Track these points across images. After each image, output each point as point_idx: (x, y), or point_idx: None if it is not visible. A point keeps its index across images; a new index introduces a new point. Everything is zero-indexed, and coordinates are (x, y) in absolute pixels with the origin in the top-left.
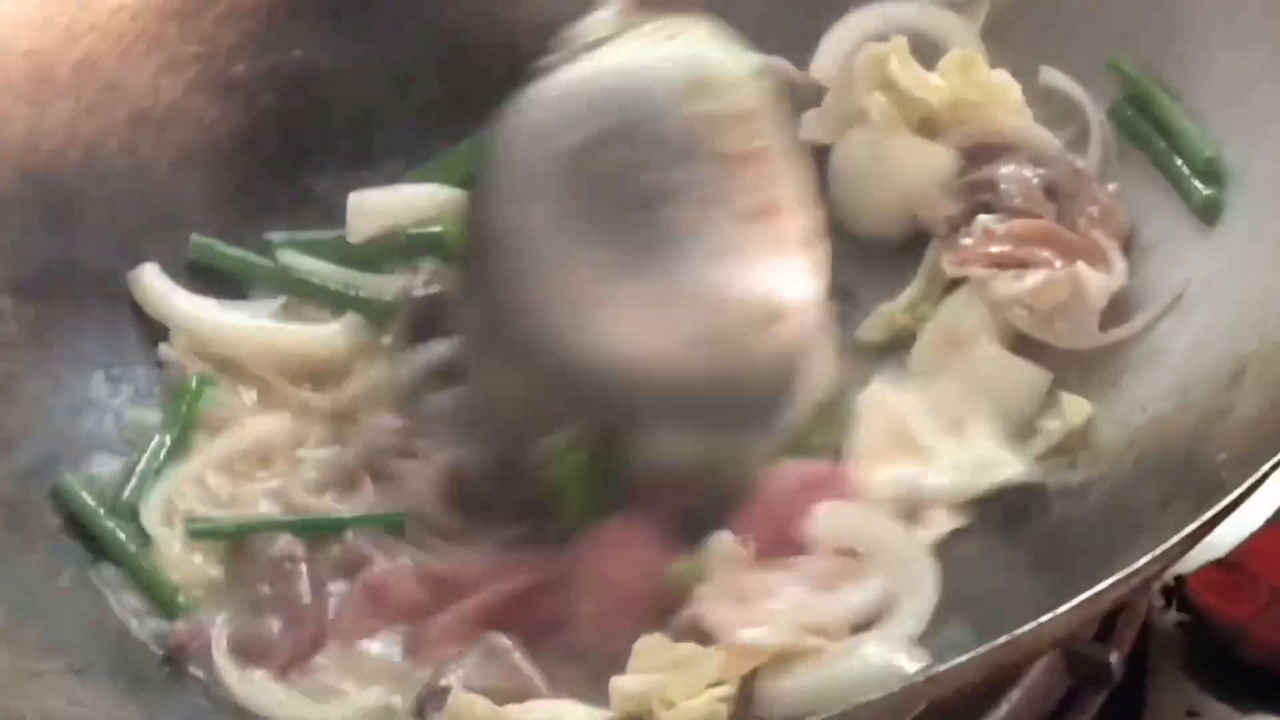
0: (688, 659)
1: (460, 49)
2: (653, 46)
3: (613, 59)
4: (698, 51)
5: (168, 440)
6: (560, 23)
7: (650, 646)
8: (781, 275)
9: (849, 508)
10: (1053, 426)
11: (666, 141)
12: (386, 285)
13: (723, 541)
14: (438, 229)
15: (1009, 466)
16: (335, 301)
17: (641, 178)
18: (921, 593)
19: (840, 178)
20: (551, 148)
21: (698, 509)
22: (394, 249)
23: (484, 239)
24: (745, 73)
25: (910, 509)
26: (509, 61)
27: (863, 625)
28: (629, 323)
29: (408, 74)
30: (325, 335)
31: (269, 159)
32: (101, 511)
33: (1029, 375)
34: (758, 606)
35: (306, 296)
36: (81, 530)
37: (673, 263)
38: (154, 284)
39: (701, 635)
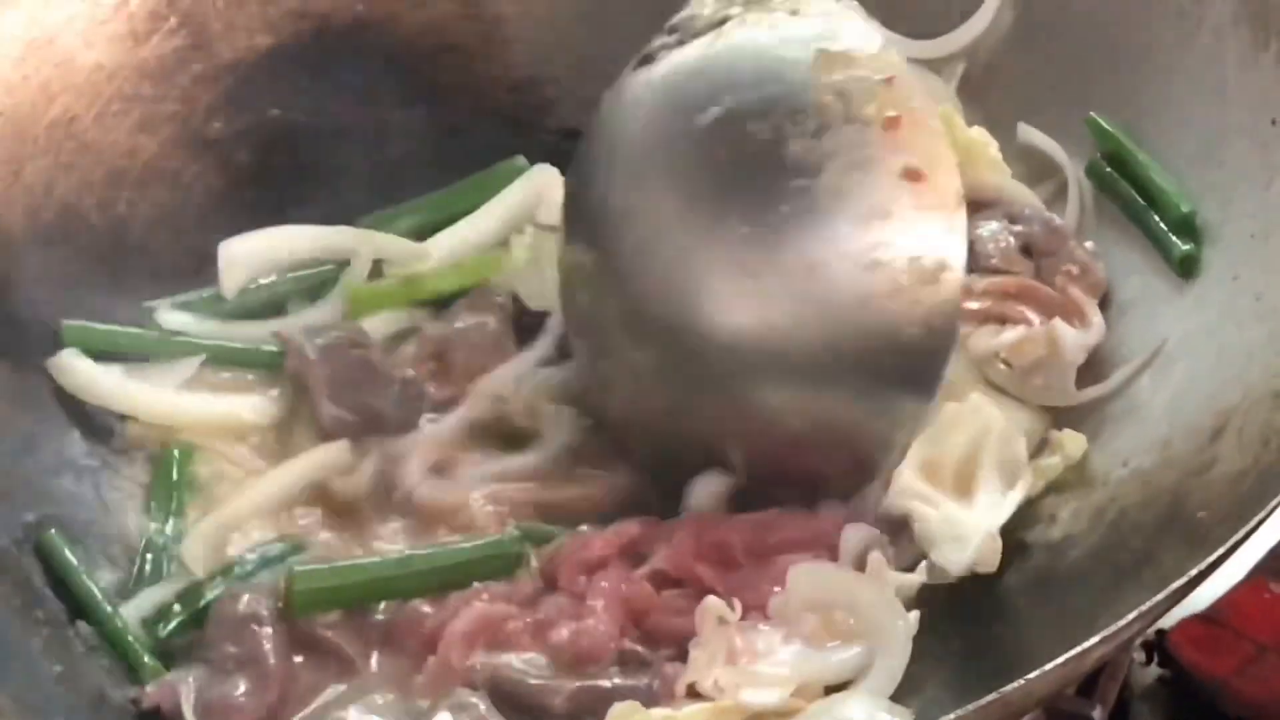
0: None
1: (437, 106)
2: (778, 22)
3: (738, 37)
4: (826, 25)
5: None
6: (537, 80)
7: (624, 712)
8: (931, 237)
9: (826, 567)
10: (1051, 463)
11: (808, 113)
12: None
13: (711, 603)
14: (318, 270)
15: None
16: (218, 358)
17: (786, 149)
18: (899, 651)
19: None
20: (683, 126)
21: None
22: (286, 295)
23: (599, 222)
24: (875, 44)
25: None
26: (487, 118)
27: (837, 683)
28: (776, 290)
29: (384, 132)
30: (252, 403)
31: (246, 216)
32: (81, 570)
33: (1023, 420)
34: (754, 665)
35: (193, 357)
36: (61, 590)
37: (824, 228)
38: (75, 367)
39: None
